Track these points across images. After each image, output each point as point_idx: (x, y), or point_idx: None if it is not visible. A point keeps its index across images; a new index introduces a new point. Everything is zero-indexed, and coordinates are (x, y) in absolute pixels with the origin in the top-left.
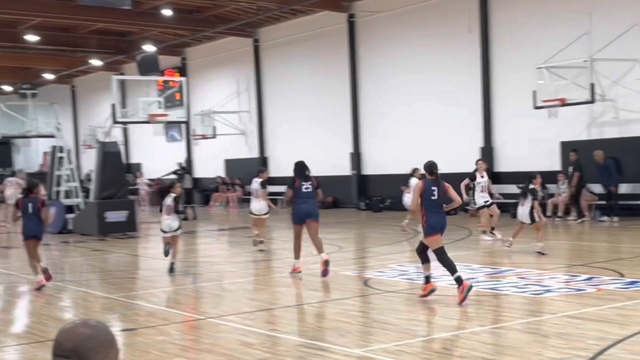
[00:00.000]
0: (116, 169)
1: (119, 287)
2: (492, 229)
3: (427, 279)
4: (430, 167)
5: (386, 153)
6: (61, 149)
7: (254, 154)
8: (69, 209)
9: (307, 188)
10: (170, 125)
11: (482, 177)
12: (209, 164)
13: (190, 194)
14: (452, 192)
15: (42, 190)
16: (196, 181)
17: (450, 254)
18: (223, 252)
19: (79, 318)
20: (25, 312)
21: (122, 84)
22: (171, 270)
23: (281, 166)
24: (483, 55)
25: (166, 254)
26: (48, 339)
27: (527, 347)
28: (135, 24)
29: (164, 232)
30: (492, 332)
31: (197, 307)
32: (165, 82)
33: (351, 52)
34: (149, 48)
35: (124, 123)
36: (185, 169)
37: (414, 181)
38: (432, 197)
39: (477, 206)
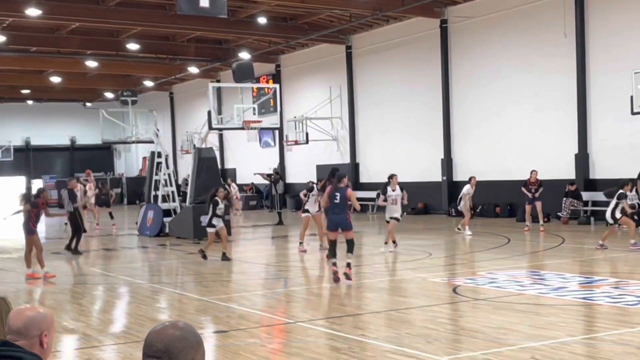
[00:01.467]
0: (212, 174)
1: (212, 289)
2: (394, 241)
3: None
4: (339, 176)
5: (477, 159)
6: (159, 154)
7: (346, 159)
8: (166, 212)
9: (335, 199)
10: (264, 131)
11: (393, 190)
12: (301, 170)
13: (282, 199)
14: (353, 199)
15: (46, 197)
16: (288, 186)
17: (543, 262)
18: (313, 256)
19: (168, 320)
20: (123, 312)
21: (218, 91)
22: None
23: (372, 172)
24: (578, 60)
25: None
26: (144, 339)
27: (619, 359)
28: (231, 32)
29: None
30: (583, 343)
31: (287, 311)
32: (260, 89)
33: (443, 58)
34: (244, 55)
35: (220, 129)
36: (279, 174)
37: (468, 187)
38: (335, 201)
39: (386, 218)
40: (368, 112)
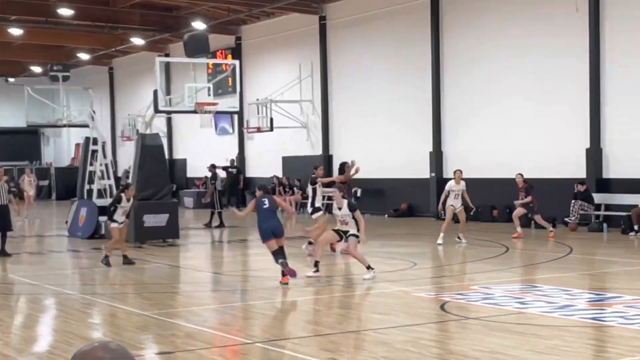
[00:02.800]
0: (157, 165)
1: (156, 302)
2: (310, 243)
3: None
4: (264, 188)
5: (472, 153)
6: (95, 141)
7: (317, 150)
8: (102, 210)
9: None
10: (220, 115)
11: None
12: (264, 162)
13: (241, 195)
14: (283, 204)
15: None
16: (248, 181)
17: (546, 275)
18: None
19: (99, 340)
20: (48, 328)
21: (167, 67)
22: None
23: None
24: (591, 39)
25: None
26: None
27: None
28: None
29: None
30: None
31: (244, 329)
32: (216, 65)
33: (434, 33)
34: (198, 25)
35: (168, 112)
36: (237, 167)
37: (451, 184)
38: (264, 206)
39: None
40: (345, 96)
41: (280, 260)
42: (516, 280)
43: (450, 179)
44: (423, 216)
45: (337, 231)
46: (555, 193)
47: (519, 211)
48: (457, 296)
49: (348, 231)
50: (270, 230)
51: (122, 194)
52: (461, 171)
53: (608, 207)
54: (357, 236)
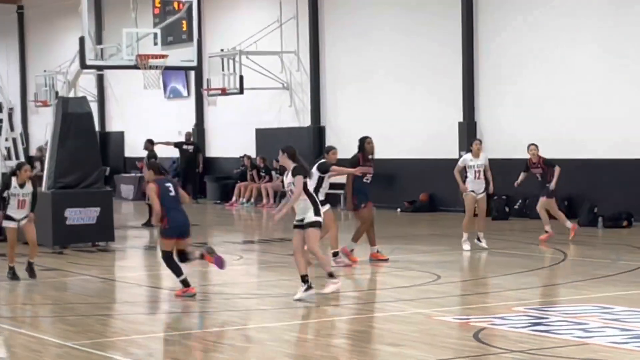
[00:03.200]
0: (85, 140)
1: (83, 329)
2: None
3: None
4: (157, 165)
5: (519, 125)
6: None
7: (304, 120)
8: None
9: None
10: (171, 72)
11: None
12: (231, 136)
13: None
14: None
15: None
16: (208, 163)
17: (621, 292)
18: (250, 278)
19: None
20: None
21: (97, 6)
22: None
23: (345, 142)
24: None
25: None
26: None
27: None
28: None
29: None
30: None
31: None
32: (165, 3)
33: None
34: None
35: (99, 68)
36: (195, 143)
37: (467, 157)
38: (170, 194)
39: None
40: (341, 47)
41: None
42: (578, 300)
43: (493, 160)
44: (449, 210)
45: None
46: (632, 180)
47: (546, 202)
48: (496, 321)
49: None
50: (179, 228)
51: (13, 178)
52: (481, 141)
53: None
54: (318, 224)
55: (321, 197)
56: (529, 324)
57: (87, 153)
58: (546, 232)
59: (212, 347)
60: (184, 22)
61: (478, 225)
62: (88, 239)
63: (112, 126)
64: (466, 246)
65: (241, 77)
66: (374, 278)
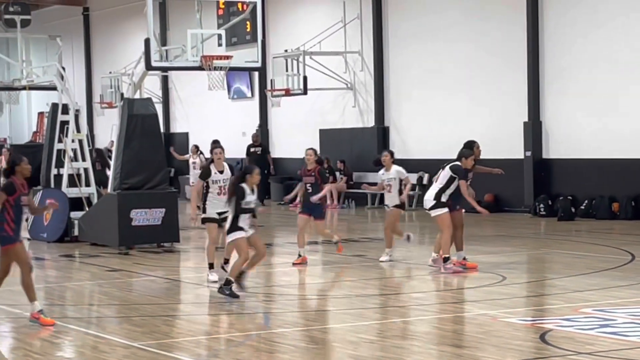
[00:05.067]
0: (150, 141)
1: (149, 330)
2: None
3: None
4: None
5: (583, 124)
6: (65, 109)
7: (368, 121)
8: (76, 203)
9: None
10: (235, 73)
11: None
12: (295, 137)
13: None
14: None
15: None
16: (272, 164)
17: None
18: (314, 279)
19: None
20: None
21: (162, 7)
22: None
23: (411, 142)
24: None
25: None
26: None
27: None
28: None
29: None
30: None
31: None
32: (229, 4)
33: None
34: None
35: (164, 69)
36: (263, 145)
37: (380, 172)
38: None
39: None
40: (406, 47)
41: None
42: None
43: (551, 160)
44: (515, 211)
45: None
46: None
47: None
48: (563, 322)
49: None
50: None
51: (244, 184)
52: (391, 153)
53: None
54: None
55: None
56: (597, 326)
57: (152, 154)
58: None
59: (276, 348)
60: (248, 22)
61: (386, 240)
62: (153, 240)
63: (177, 127)
64: (384, 257)
65: (305, 78)
66: (439, 279)
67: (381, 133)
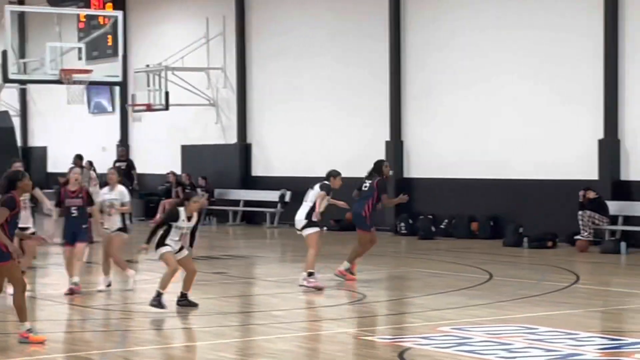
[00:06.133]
0: (6, 154)
1: (2, 348)
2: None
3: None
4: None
5: (445, 144)
6: None
7: (230, 138)
8: None
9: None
10: (95, 87)
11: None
12: (157, 153)
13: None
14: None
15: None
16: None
17: (544, 312)
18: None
19: None
20: None
21: (20, 19)
22: None
23: (273, 160)
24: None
25: None
26: None
27: None
28: None
29: None
30: None
31: None
32: (90, 18)
33: None
34: None
35: (22, 82)
36: (128, 159)
37: (103, 190)
38: None
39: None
40: (269, 64)
41: None
42: (502, 319)
43: (412, 179)
44: (377, 229)
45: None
46: (557, 200)
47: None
48: (421, 341)
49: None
50: None
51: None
52: (117, 171)
53: (628, 219)
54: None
55: (315, 218)
56: (454, 344)
57: (9, 169)
58: None
59: None
60: (109, 36)
61: (104, 267)
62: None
63: (35, 141)
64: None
65: (167, 93)
66: (298, 297)
67: (243, 150)
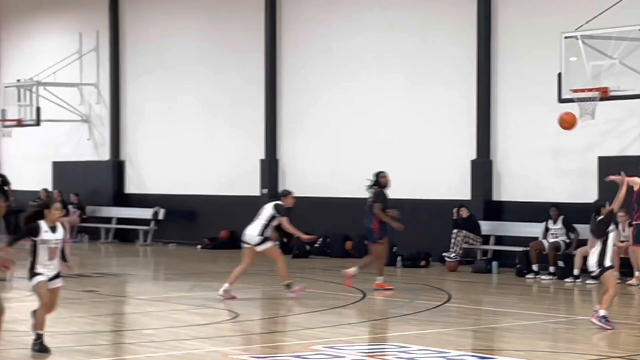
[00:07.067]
0: None
1: None
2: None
3: None
4: None
5: (319, 162)
6: None
7: (103, 154)
8: None
9: None
10: None
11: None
12: (27, 169)
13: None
14: None
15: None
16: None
17: (415, 331)
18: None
19: None
20: None
21: None
22: None
23: (146, 177)
24: (481, 19)
25: None
26: None
27: None
28: None
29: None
30: None
31: None
32: None
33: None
34: None
35: None
36: (2, 176)
37: (268, 209)
38: None
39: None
40: (143, 80)
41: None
42: (375, 338)
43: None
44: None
45: None
46: (430, 220)
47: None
48: (294, 359)
49: None
50: None
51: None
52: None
53: (499, 239)
54: None
55: (268, 233)
56: None
57: None
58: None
59: None
60: None
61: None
62: None
63: None
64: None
65: (38, 109)
66: (170, 315)
67: (116, 166)
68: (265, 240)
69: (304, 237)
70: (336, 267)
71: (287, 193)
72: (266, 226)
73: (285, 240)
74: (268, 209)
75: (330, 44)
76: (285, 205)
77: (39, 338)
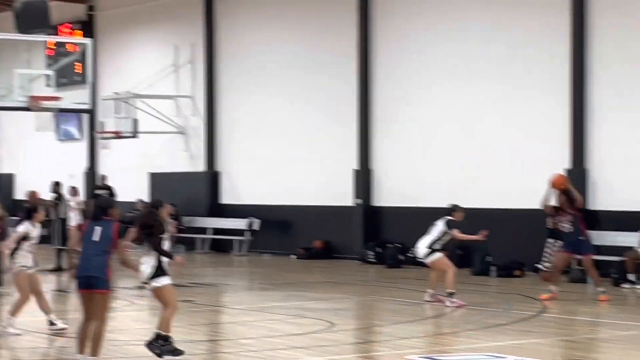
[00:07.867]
0: None
1: None
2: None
3: None
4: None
5: (413, 173)
6: None
7: (198, 166)
8: None
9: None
10: (64, 115)
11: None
12: (124, 180)
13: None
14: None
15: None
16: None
17: (513, 341)
18: (141, 324)
19: None
20: None
21: None
22: None
23: (241, 188)
24: (575, 26)
25: None
26: None
27: None
28: None
29: None
30: None
31: None
32: (59, 45)
33: (362, 7)
34: None
35: None
36: (109, 186)
37: (440, 225)
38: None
39: None
40: (238, 92)
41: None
42: (470, 348)
43: (387, 208)
44: (344, 258)
45: None
46: (523, 229)
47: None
48: None
49: None
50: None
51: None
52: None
53: (595, 249)
54: None
55: (438, 245)
56: None
57: None
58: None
59: None
60: (77, 64)
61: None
62: None
63: (2, 168)
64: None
65: (135, 121)
66: (266, 325)
67: (212, 177)
68: (432, 252)
69: (478, 237)
70: (429, 277)
71: (457, 208)
72: (436, 240)
73: (460, 252)
74: (439, 225)
75: (424, 48)
76: (455, 219)
77: (167, 340)
